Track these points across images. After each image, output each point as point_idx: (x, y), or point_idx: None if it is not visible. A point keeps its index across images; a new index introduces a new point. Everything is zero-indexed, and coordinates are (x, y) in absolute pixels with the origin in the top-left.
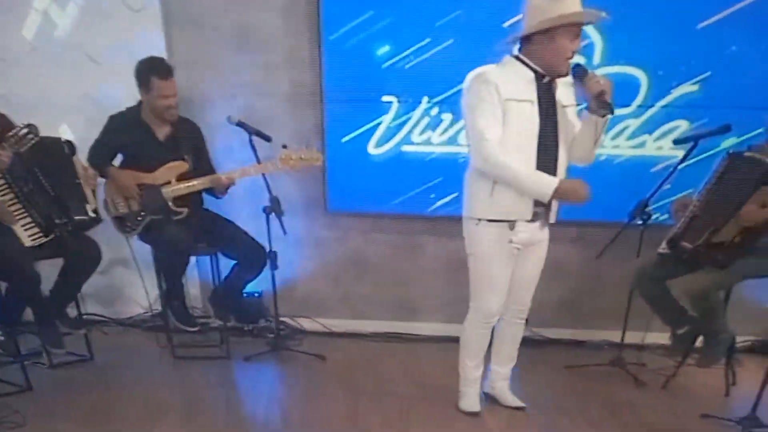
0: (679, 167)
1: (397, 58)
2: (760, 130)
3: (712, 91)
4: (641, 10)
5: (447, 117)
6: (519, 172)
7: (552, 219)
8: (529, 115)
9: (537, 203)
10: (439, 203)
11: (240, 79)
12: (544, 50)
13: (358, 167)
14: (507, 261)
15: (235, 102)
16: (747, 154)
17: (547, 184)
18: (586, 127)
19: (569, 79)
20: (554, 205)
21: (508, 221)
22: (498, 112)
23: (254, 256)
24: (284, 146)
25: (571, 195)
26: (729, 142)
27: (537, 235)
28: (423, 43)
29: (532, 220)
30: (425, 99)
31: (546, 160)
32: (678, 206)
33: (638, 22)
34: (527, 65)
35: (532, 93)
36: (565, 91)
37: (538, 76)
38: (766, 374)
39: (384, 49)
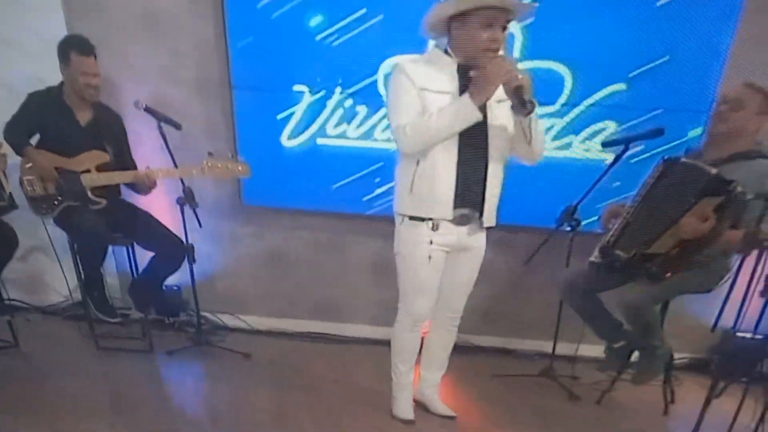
0: (609, 171)
1: (325, 33)
2: (698, 131)
3: (642, 91)
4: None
5: (362, 109)
6: (434, 117)
7: (488, 223)
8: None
9: (460, 204)
10: (365, 199)
11: (147, 65)
12: (458, 39)
13: (273, 160)
14: (434, 263)
15: (142, 88)
16: (683, 160)
17: (462, 100)
18: (517, 125)
19: None
20: (489, 208)
21: (429, 219)
22: (415, 103)
23: (172, 250)
24: (210, 153)
25: (493, 78)
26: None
27: (467, 240)
28: (342, 24)
29: (460, 224)
30: (338, 90)
31: (471, 156)
32: (608, 214)
33: (562, 14)
34: (450, 56)
35: (453, 85)
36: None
37: (462, 68)
38: (708, 396)
39: (312, 22)
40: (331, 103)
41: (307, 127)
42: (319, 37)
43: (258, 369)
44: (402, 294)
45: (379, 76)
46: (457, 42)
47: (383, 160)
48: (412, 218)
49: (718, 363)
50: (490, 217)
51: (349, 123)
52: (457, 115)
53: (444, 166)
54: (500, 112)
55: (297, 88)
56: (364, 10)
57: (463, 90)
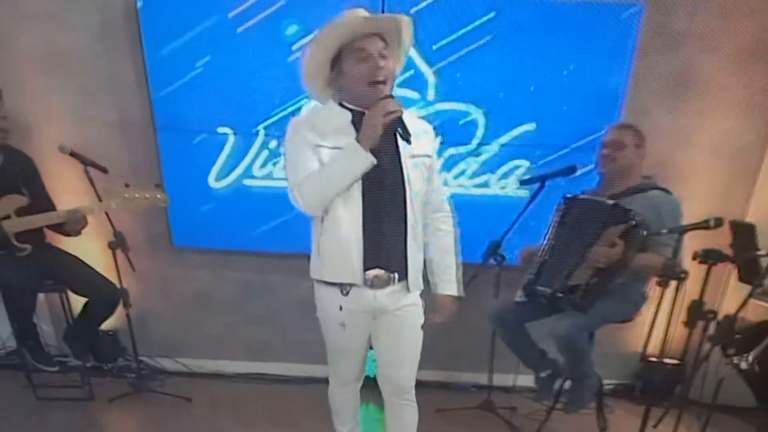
0: (529, 208)
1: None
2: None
3: (550, 131)
4: (475, 45)
5: None
6: (325, 167)
7: (415, 287)
8: None
9: (373, 265)
10: (293, 239)
11: (64, 106)
12: (343, 84)
13: (201, 201)
14: (351, 329)
15: (62, 131)
16: (582, 196)
17: (351, 145)
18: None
19: (421, 124)
20: (413, 269)
21: (339, 284)
22: (311, 161)
23: (106, 295)
24: (126, 185)
25: (381, 118)
26: None
27: (391, 303)
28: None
29: (374, 286)
30: (262, 131)
31: (382, 212)
32: (526, 255)
33: (472, 58)
34: (345, 107)
35: (350, 139)
36: (418, 138)
37: (356, 118)
38: (644, 419)
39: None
40: (255, 145)
41: (233, 169)
42: (241, 78)
43: (200, 413)
44: (328, 355)
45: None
46: (343, 87)
47: None
48: (321, 282)
49: (640, 389)
50: (415, 280)
51: (274, 164)
52: (348, 162)
53: (349, 224)
54: (417, 167)
55: (221, 130)
56: (290, 50)
57: None
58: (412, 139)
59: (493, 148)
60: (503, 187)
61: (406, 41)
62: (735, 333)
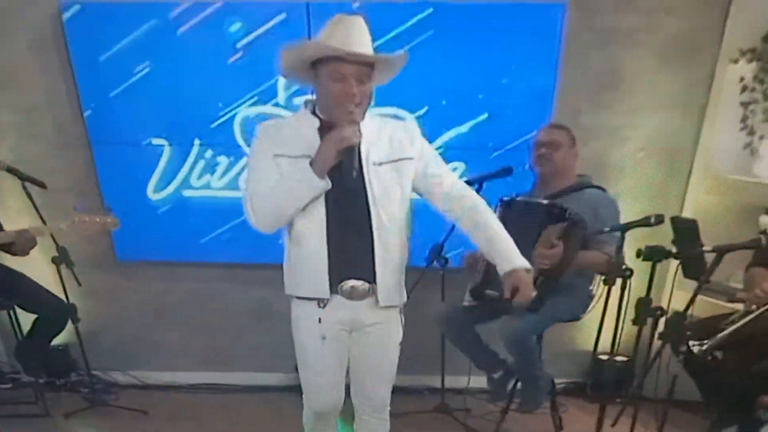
0: None
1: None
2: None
3: (483, 132)
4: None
5: (223, 160)
6: (276, 185)
7: (385, 302)
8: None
9: (343, 277)
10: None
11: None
12: (317, 91)
13: (141, 214)
14: (330, 344)
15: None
16: (519, 198)
17: (303, 167)
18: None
19: (398, 128)
20: (382, 283)
21: (314, 299)
22: (270, 171)
23: (54, 310)
24: (75, 208)
25: (334, 144)
26: None
27: (367, 316)
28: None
29: (352, 297)
30: (197, 142)
31: (342, 225)
32: (471, 260)
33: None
34: (317, 115)
35: (314, 147)
36: (379, 146)
37: (323, 127)
38: (599, 417)
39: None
40: (191, 155)
41: (171, 180)
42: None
43: (157, 426)
44: (302, 383)
45: (236, 127)
46: (317, 95)
47: None
48: (297, 297)
49: (591, 386)
50: (386, 294)
51: (212, 174)
52: (299, 184)
53: (313, 236)
54: (384, 174)
55: (156, 141)
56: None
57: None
58: (379, 144)
59: None
60: None
61: (395, 73)
62: (686, 329)
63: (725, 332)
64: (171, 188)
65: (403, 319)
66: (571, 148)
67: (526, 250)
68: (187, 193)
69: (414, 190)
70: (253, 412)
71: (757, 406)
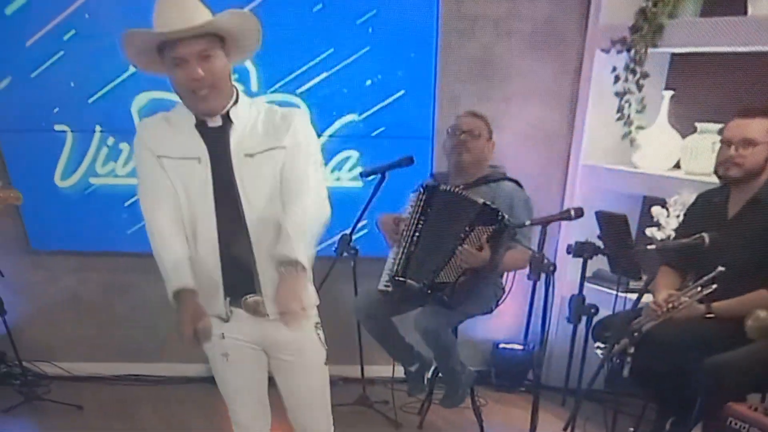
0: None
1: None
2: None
3: (376, 121)
4: (291, 33)
5: (125, 147)
6: (162, 251)
7: (271, 311)
8: (198, 175)
9: (242, 291)
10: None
11: None
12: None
13: (51, 202)
14: (236, 362)
15: None
16: (443, 188)
17: (172, 280)
18: None
19: (273, 115)
20: (268, 292)
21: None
22: (158, 176)
23: None
24: None
25: (187, 329)
26: None
27: (279, 335)
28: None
29: (256, 313)
30: (98, 128)
31: (227, 232)
32: (390, 225)
33: (292, 48)
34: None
35: (199, 147)
36: (253, 135)
37: (200, 123)
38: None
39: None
40: (94, 142)
41: (77, 168)
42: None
43: (92, 421)
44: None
45: (134, 113)
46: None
47: None
48: None
49: (494, 374)
50: (271, 301)
51: (115, 161)
52: (164, 274)
53: (205, 244)
54: (256, 169)
55: (59, 127)
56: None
57: (213, 151)
58: (253, 133)
59: (320, 140)
60: (337, 179)
61: (249, 40)
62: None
63: (623, 341)
64: (77, 175)
65: (321, 335)
66: (489, 138)
67: (452, 244)
68: (94, 180)
69: None
70: (180, 405)
71: (724, 414)
